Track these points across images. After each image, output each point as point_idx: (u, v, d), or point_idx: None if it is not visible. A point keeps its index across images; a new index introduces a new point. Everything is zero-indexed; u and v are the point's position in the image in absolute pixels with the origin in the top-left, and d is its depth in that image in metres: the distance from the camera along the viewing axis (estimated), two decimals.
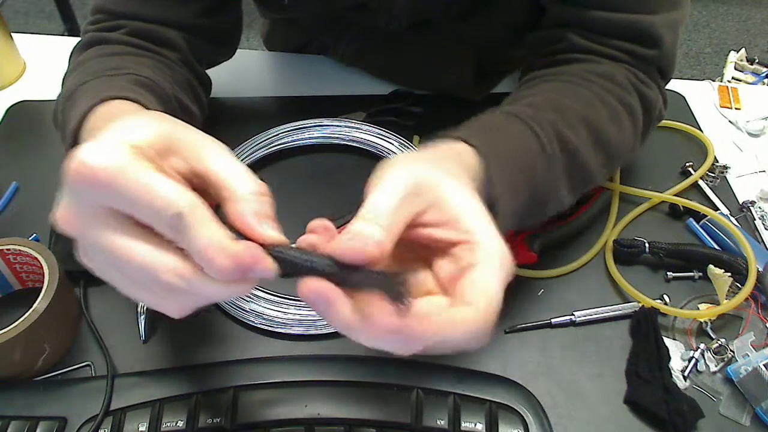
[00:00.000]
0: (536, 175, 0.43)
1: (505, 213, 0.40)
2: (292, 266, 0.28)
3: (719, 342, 0.49)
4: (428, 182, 0.32)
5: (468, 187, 0.33)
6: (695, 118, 0.70)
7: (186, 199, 0.27)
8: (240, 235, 0.28)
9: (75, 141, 0.41)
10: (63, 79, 0.52)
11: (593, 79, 0.50)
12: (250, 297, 0.51)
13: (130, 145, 0.28)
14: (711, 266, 0.53)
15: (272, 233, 0.29)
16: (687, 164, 0.64)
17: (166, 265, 0.28)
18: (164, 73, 0.51)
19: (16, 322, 0.43)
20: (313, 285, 0.28)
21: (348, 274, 0.28)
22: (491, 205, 0.38)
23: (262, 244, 0.28)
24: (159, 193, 0.27)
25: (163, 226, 0.27)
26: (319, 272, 0.28)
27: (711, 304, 0.52)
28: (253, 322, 0.50)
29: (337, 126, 0.64)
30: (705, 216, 0.57)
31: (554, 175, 0.45)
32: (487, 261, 0.30)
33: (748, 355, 0.47)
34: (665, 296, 0.53)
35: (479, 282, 0.30)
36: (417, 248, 0.33)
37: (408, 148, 0.62)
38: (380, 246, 0.28)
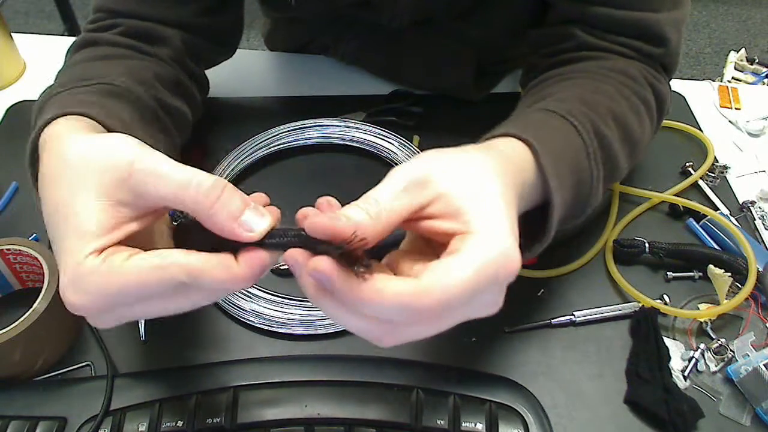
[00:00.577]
0: (581, 171, 0.43)
1: (559, 206, 0.39)
2: (282, 247, 0.31)
3: (719, 342, 0.49)
4: (436, 175, 0.32)
5: (489, 181, 0.33)
6: (695, 118, 0.70)
7: (177, 266, 0.30)
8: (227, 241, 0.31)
9: (33, 153, 0.40)
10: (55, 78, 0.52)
11: (610, 74, 0.50)
12: (250, 297, 0.51)
13: (93, 253, 0.30)
14: (711, 266, 0.53)
15: (257, 232, 0.30)
16: (687, 164, 0.64)
17: (197, 303, 0.32)
18: (145, 74, 0.51)
19: (16, 322, 0.43)
20: (290, 252, 0.30)
21: (316, 245, 0.29)
22: (546, 201, 0.38)
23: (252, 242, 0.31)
24: (152, 280, 0.30)
25: (176, 291, 0.31)
26: (294, 245, 0.30)
27: (711, 304, 0.52)
28: (253, 322, 0.50)
29: (337, 126, 0.64)
30: (705, 216, 0.57)
31: (595, 169, 0.44)
32: (470, 251, 0.30)
33: (748, 355, 0.47)
34: (665, 296, 0.53)
35: (442, 265, 0.30)
36: (434, 244, 0.33)
37: (408, 148, 0.62)
38: (359, 228, 0.29)
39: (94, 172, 0.31)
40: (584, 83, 0.50)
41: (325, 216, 0.29)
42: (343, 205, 0.31)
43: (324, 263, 0.28)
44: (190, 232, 0.33)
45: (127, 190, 0.31)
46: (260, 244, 0.30)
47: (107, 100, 0.44)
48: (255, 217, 0.30)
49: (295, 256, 0.30)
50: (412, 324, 0.31)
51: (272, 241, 0.31)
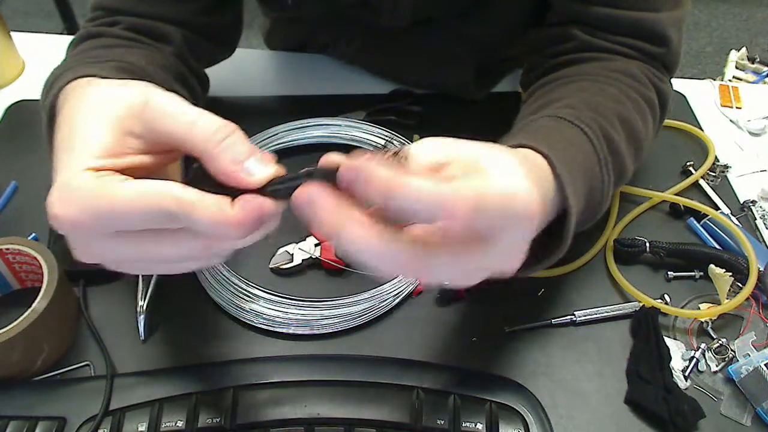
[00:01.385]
0: (593, 178, 0.43)
1: (574, 215, 0.39)
2: (286, 194, 0.29)
3: (720, 342, 0.49)
4: (463, 150, 0.31)
5: (520, 165, 0.31)
6: (696, 118, 0.70)
7: (169, 196, 0.28)
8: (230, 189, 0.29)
9: (51, 118, 0.40)
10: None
11: (614, 76, 0.50)
12: (250, 297, 0.51)
13: (89, 170, 0.29)
14: (712, 266, 0.53)
15: (257, 176, 0.29)
16: (688, 163, 0.64)
17: (192, 250, 0.29)
18: (156, 62, 0.51)
19: (15, 322, 0.43)
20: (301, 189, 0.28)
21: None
22: (564, 211, 0.38)
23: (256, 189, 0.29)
24: (141, 204, 0.28)
25: (165, 224, 0.28)
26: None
27: (712, 303, 0.52)
28: (253, 322, 0.50)
29: (338, 125, 0.64)
30: (706, 215, 0.57)
31: (606, 176, 0.44)
32: (501, 174, 0.29)
33: (749, 355, 0.47)
34: (666, 296, 0.52)
35: (478, 176, 0.28)
36: None
37: None
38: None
39: (110, 102, 0.31)
40: (589, 86, 0.50)
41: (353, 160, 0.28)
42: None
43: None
44: (199, 182, 0.31)
45: (138, 121, 0.30)
46: (262, 192, 0.29)
47: (122, 74, 0.44)
48: (258, 164, 0.29)
49: (309, 188, 0.28)
50: (444, 242, 0.28)
51: (275, 188, 0.29)
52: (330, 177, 0.28)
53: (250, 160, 0.29)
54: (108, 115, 0.30)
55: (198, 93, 0.59)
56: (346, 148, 0.63)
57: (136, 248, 0.29)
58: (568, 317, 0.51)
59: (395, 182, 0.26)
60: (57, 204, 0.29)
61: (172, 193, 0.28)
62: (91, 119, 0.31)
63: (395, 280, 0.52)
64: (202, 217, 0.27)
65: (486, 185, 0.28)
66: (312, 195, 0.27)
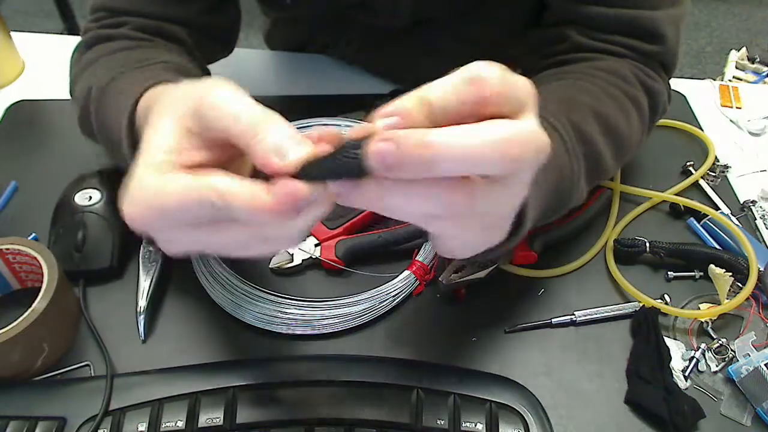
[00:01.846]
0: (562, 169, 0.43)
1: (534, 213, 0.39)
2: (326, 175, 0.28)
3: (720, 342, 0.49)
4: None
5: None
6: (696, 118, 0.70)
7: (211, 186, 0.28)
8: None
9: (132, 135, 0.41)
10: (73, 79, 0.52)
11: (597, 74, 0.50)
12: (250, 297, 0.51)
13: (153, 169, 0.30)
14: (712, 266, 0.53)
15: (290, 159, 0.28)
16: (688, 163, 0.64)
17: (247, 237, 0.29)
18: (185, 58, 0.52)
19: (15, 322, 0.43)
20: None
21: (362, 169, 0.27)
22: (522, 210, 0.37)
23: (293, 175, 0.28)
24: (189, 197, 0.28)
25: (215, 214, 0.29)
26: (351, 172, 0.27)
27: (712, 303, 0.52)
28: (253, 322, 0.50)
29: (337, 125, 0.64)
30: (706, 215, 0.57)
31: (576, 167, 0.44)
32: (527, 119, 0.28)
33: (749, 355, 0.47)
34: (666, 296, 0.52)
35: (524, 119, 0.27)
36: None
37: None
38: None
39: (177, 102, 0.31)
40: (568, 84, 0.50)
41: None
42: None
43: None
44: (261, 174, 0.30)
45: (196, 118, 0.30)
46: (298, 175, 0.28)
47: (175, 75, 0.45)
48: (291, 145, 0.28)
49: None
50: (495, 180, 0.28)
51: (312, 170, 0.27)
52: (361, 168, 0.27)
53: (283, 143, 0.28)
54: (172, 116, 0.31)
55: None
56: None
57: (205, 237, 0.30)
58: (568, 317, 0.51)
59: (456, 132, 0.25)
60: (126, 203, 0.30)
61: (211, 183, 0.28)
62: (159, 121, 0.31)
63: (395, 280, 0.52)
64: (238, 206, 0.28)
65: (530, 128, 0.27)
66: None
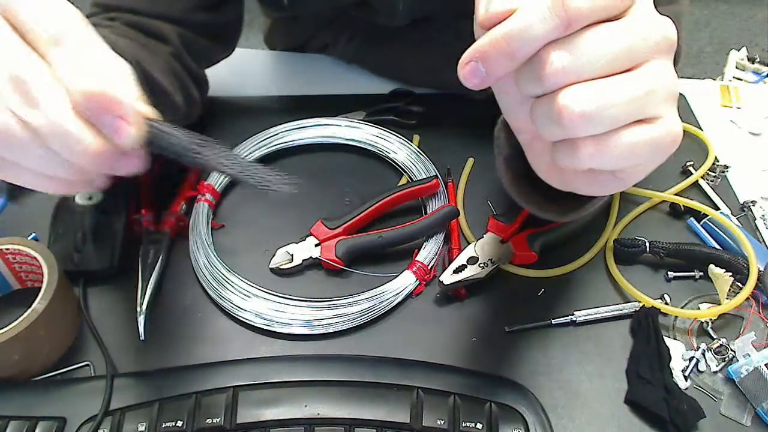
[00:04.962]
0: None
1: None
2: (157, 140, 0.28)
3: (720, 342, 0.49)
4: None
5: None
6: (696, 118, 0.70)
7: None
8: None
9: None
10: None
11: None
12: (250, 297, 0.51)
13: None
14: (712, 266, 0.53)
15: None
16: (687, 163, 0.64)
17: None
18: (142, 54, 0.50)
19: (15, 322, 0.43)
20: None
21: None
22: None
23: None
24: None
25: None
26: (184, 149, 0.28)
27: (712, 303, 0.52)
28: (253, 322, 0.50)
29: (337, 125, 0.64)
30: (706, 215, 0.57)
31: None
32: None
33: (749, 355, 0.47)
34: (666, 296, 0.52)
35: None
36: None
37: (408, 147, 0.62)
38: None
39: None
40: None
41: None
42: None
43: None
44: None
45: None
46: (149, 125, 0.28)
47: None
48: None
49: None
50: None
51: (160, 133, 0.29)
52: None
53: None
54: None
55: (194, 96, 0.59)
56: (346, 148, 0.63)
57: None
58: (568, 317, 0.51)
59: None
60: None
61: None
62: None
63: (395, 280, 0.52)
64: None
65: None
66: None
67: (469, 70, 0.27)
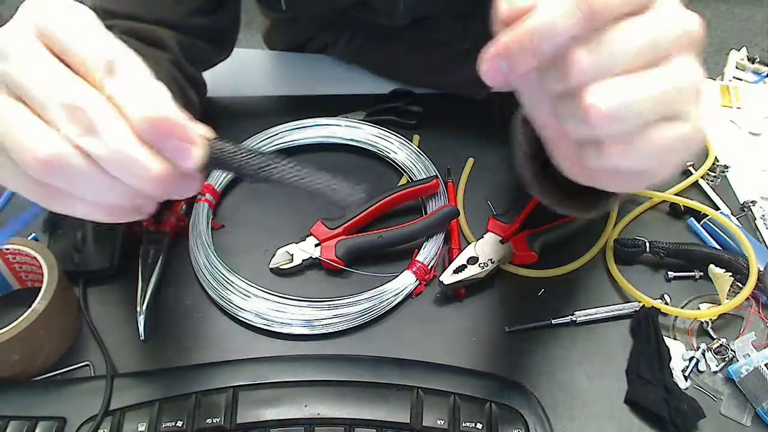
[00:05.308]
0: None
1: None
2: (221, 160, 0.28)
3: (720, 342, 0.49)
4: None
5: None
6: None
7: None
8: None
9: None
10: None
11: None
12: (250, 297, 0.51)
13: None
14: (712, 266, 0.53)
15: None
16: (687, 163, 0.64)
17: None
18: (164, 66, 0.51)
19: (15, 322, 0.43)
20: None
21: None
22: None
23: None
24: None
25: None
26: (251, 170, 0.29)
27: (712, 303, 0.52)
28: (253, 322, 0.50)
29: (337, 125, 0.64)
30: (706, 215, 0.57)
31: None
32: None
33: (749, 355, 0.47)
34: (666, 296, 0.52)
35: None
36: None
37: (408, 147, 0.62)
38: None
39: None
40: None
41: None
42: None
43: None
44: None
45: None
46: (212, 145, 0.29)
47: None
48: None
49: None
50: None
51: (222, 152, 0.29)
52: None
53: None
54: None
55: (193, 101, 0.59)
56: (345, 148, 0.63)
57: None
58: (568, 317, 0.51)
59: None
60: None
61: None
62: None
63: (395, 280, 0.52)
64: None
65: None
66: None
67: (491, 67, 0.26)
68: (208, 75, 0.64)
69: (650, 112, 0.25)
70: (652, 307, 0.51)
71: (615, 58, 0.25)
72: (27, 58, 0.26)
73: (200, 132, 0.28)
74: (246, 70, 0.75)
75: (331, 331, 0.49)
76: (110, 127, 0.26)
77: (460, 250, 0.53)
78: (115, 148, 0.26)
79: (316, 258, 0.54)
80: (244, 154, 0.29)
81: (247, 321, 0.50)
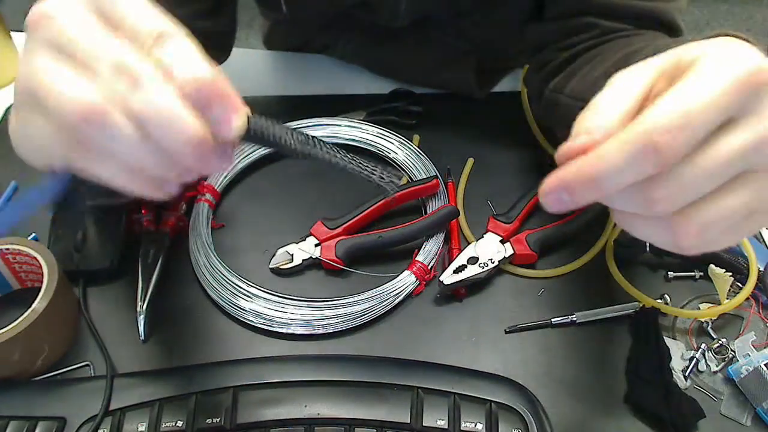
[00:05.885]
0: None
1: None
2: (261, 134, 0.29)
3: (720, 342, 0.49)
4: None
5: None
6: None
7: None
8: None
9: None
10: None
11: (635, 41, 0.51)
12: (250, 297, 0.51)
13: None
14: (712, 266, 0.53)
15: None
16: None
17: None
18: None
19: (15, 322, 0.43)
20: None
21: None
22: None
23: None
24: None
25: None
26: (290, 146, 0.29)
27: (712, 303, 0.52)
28: (253, 322, 0.50)
29: (337, 125, 0.64)
30: None
31: None
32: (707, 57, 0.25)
33: (749, 355, 0.47)
34: (666, 296, 0.52)
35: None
36: None
37: (408, 147, 0.62)
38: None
39: None
40: (614, 48, 0.51)
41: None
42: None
43: None
44: None
45: None
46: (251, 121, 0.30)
47: None
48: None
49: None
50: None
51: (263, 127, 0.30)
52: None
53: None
54: None
55: None
56: (346, 148, 0.63)
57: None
58: (568, 317, 0.51)
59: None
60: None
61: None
62: None
63: (395, 280, 0.52)
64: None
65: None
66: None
67: (554, 199, 0.26)
68: None
69: (732, 224, 0.26)
70: (652, 307, 0.51)
71: (697, 186, 0.25)
72: (78, 21, 0.26)
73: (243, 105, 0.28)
74: (246, 70, 0.75)
75: (331, 331, 0.49)
76: (156, 84, 0.25)
77: (460, 250, 0.54)
78: (158, 103, 0.25)
79: (316, 258, 0.54)
80: (284, 130, 0.29)
81: (247, 321, 0.50)
